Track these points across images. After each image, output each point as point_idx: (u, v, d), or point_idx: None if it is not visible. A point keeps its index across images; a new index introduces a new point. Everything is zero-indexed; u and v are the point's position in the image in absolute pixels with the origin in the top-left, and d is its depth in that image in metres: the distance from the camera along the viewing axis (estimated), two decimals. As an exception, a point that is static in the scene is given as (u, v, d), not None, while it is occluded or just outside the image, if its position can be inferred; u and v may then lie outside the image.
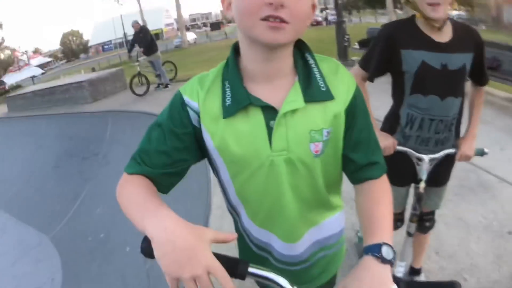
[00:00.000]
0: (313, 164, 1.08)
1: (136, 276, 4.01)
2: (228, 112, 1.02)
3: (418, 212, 2.29)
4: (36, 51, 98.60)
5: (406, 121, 2.11)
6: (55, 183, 7.98)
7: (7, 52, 59.94)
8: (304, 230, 1.19)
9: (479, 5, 26.89)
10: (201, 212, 4.32)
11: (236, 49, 1.09)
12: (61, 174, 8.34)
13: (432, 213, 2.45)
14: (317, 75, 1.06)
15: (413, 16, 2.00)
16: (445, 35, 1.93)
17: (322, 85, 1.05)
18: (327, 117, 1.04)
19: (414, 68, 1.95)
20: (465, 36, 1.97)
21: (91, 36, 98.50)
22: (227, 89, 1.04)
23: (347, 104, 1.07)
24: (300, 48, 1.10)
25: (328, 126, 1.05)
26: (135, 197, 1.00)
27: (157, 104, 9.29)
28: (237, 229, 1.31)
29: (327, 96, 1.04)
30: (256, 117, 1.02)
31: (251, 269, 0.90)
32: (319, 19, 42.67)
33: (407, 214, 2.40)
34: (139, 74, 12.11)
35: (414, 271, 2.70)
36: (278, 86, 1.04)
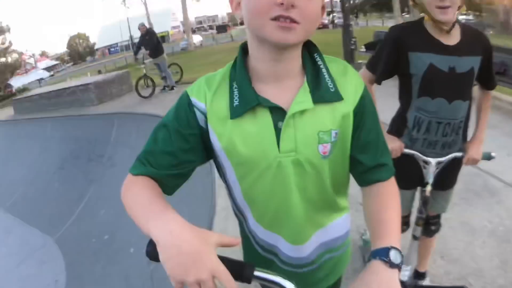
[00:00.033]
0: (321, 166, 1.07)
1: (140, 278, 4.04)
2: (236, 113, 1.02)
3: (424, 216, 2.28)
4: (43, 54, 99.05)
5: (413, 124, 2.10)
6: (60, 185, 8.04)
7: (15, 55, 60.28)
8: (311, 232, 1.19)
9: (487, 10, 26.85)
10: (206, 213, 4.33)
11: (244, 49, 1.08)
12: (66, 176, 8.40)
13: (438, 216, 2.44)
14: (326, 76, 1.05)
15: (421, 19, 1.99)
16: (453, 38, 1.92)
17: (331, 86, 1.04)
18: (335, 118, 1.04)
19: (422, 71, 1.95)
20: (473, 39, 1.96)
21: (98, 39, 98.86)
22: (235, 90, 1.03)
23: (356, 104, 1.07)
24: (309, 49, 1.09)
25: (336, 127, 1.05)
26: (140, 198, 0.99)
27: (162, 106, 9.32)
28: (242, 231, 1.30)
29: (336, 97, 1.04)
30: (264, 118, 1.02)
31: (257, 273, 0.90)
32: (326, 22, 42.60)
33: (413, 218, 2.39)
34: (145, 76, 12.18)
35: (419, 274, 2.68)
36: (286, 87, 1.04)
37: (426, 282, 2.67)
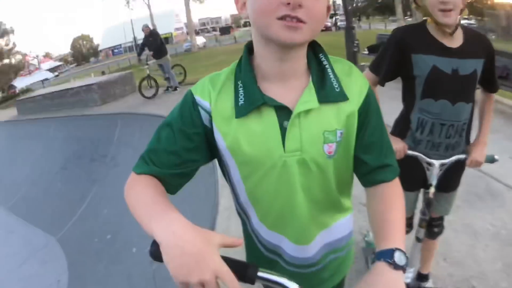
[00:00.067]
0: (326, 165, 1.07)
1: (143, 278, 4.03)
2: (241, 112, 1.01)
3: (427, 218, 2.28)
4: (47, 56, 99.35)
5: (416, 126, 2.11)
6: (62, 185, 8.05)
7: (18, 57, 60.55)
8: (316, 232, 1.18)
9: (489, 15, 26.86)
10: (208, 213, 4.33)
11: (249, 49, 1.08)
12: (69, 176, 8.40)
13: (441, 218, 2.43)
14: (331, 76, 1.05)
15: (424, 21, 2.00)
16: (456, 41, 1.93)
17: (336, 86, 1.04)
18: (340, 117, 1.04)
19: (425, 72, 1.95)
20: (476, 42, 1.97)
21: (101, 40, 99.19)
22: (240, 89, 1.03)
23: (360, 103, 1.07)
24: (314, 49, 1.09)
25: (341, 127, 1.04)
26: (143, 197, 0.99)
27: (166, 106, 9.32)
28: (245, 231, 1.29)
29: (341, 96, 1.04)
30: (270, 117, 1.01)
31: (260, 274, 0.89)
32: (328, 24, 42.63)
33: (416, 219, 2.39)
34: (149, 77, 12.19)
35: (421, 276, 2.68)
36: (292, 87, 1.04)
37: (429, 284, 2.67)
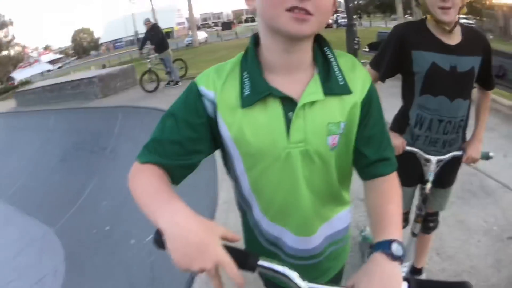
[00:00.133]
0: (329, 157, 1.08)
1: (140, 269, 4.01)
2: (247, 102, 1.02)
3: (423, 213, 2.32)
4: (47, 48, 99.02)
5: (415, 122, 2.14)
6: (61, 177, 8.01)
7: (18, 48, 60.32)
8: (318, 224, 1.19)
9: (487, 15, 26.82)
10: (208, 206, 4.34)
11: (255, 40, 1.08)
12: (69, 167, 8.37)
13: (436, 214, 2.47)
14: (336, 69, 1.06)
15: (424, 19, 2.04)
16: (454, 38, 1.97)
17: (340, 79, 1.05)
18: (344, 110, 1.05)
19: (425, 69, 1.98)
20: (473, 39, 2.01)
21: (102, 33, 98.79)
22: (246, 79, 1.03)
23: (363, 96, 1.08)
24: (319, 43, 1.09)
25: (345, 119, 1.05)
26: (147, 186, 1.00)
27: (167, 100, 9.29)
28: (246, 224, 1.30)
29: (345, 89, 1.05)
30: (275, 108, 1.02)
31: (261, 262, 0.90)
32: (330, 21, 42.51)
33: (412, 215, 2.43)
34: (150, 71, 12.21)
35: (415, 270, 2.71)
36: (297, 78, 1.04)
37: (422, 278, 2.71)
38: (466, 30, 2.01)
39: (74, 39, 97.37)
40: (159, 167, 1.06)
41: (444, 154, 2.15)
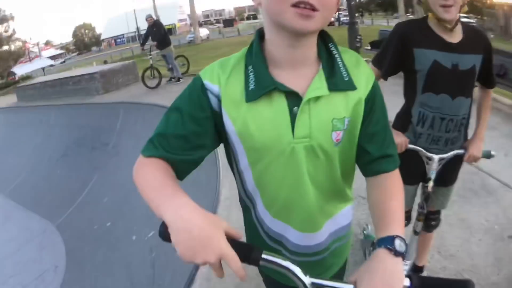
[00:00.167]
0: (333, 153, 1.08)
1: (141, 265, 4.03)
2: (251, 96, 1.02)
3: (425, 211, 2.32)
4: (48, 43, 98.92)
5: (417, 120, 2.14)
6: (63, 172, 8.01)
7: (18, 43, 60.32)
8: (323, 221, 1.19)
9: (488, 14, 26.81)
10: (210, 202, 4.34)
11: (260, 35, 1.08)
12: (70, 163, 8.36)
13: (438, 212, 2.48)
14: (340, 65, 1.06)
15: (426, 17, 2.05)
16: (456, 36, 1.98)
17: (345, 75, 1.05)
18: (348, 105, 1.05)
19: (427, 67, 1.99)
20: (474, 38, 2.02)
21: (104, 29, 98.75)
22: (251, 74, 1.03)
23: (367, 92, 1.08)
24: (324, 39, 1.10)
25: (349, 115, 1.06)
26: (152, 180, 1.00)
27: (168, 97, 9.27)
28: (249, 221, 1.30)
29: (350, 85, 1.05)
30: (280, 102, 1.02)
31: (264, 256, 0.91)
32: (332, 19, 42.47)
33: (414, 213, 2.44)
34: (152, 67, 12.17)
35: (417, 268, 2.72)
36: (302, 74, 1.04)
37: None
38: (467, 29, 2.02)
39: (75, 35, 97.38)
40: (164, 161, 1.06)
41: (446, 153, 2.15)
